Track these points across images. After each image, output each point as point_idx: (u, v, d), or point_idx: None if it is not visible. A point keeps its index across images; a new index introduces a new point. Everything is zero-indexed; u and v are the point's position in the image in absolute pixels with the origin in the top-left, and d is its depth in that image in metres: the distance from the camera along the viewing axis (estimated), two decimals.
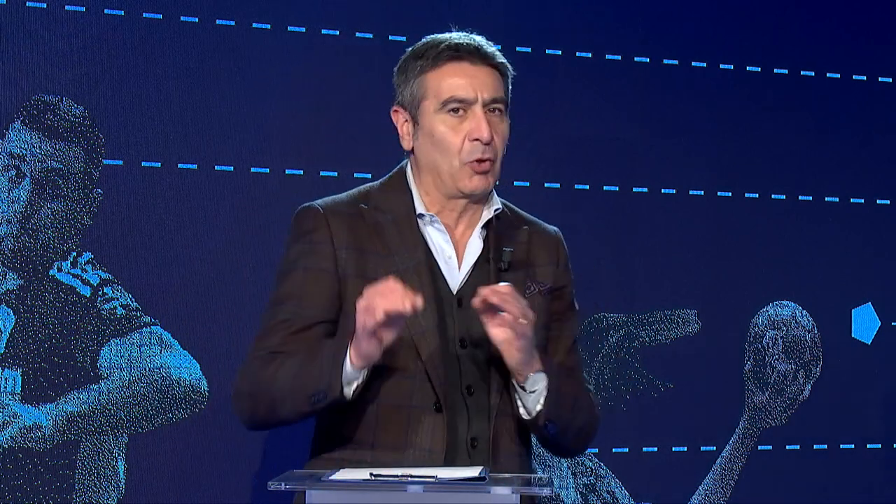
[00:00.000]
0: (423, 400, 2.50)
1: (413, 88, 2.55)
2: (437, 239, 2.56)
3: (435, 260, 2.55)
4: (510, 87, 2.61)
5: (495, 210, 2.59)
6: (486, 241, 2.59)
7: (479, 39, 2.57)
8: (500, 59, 2.56)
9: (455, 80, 2.52)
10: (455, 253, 2.56)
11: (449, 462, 2.46)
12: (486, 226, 2.59)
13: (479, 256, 2.57)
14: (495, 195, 2.62)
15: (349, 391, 2.42)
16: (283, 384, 2.46)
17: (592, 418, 2.66)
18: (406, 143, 2.59)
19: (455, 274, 2.56)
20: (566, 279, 2.70)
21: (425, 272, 2.52)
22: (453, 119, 2.52)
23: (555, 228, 2.73)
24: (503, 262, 2.56)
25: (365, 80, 3.63)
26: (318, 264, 2.53)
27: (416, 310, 2.34)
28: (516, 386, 2.50)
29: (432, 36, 2.59)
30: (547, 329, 2.61)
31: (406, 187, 2.58)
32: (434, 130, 2.53)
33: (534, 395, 2.50)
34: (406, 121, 2.57)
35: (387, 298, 2.32)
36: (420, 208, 2.56)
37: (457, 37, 2.56)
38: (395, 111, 2.59)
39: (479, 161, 2.51)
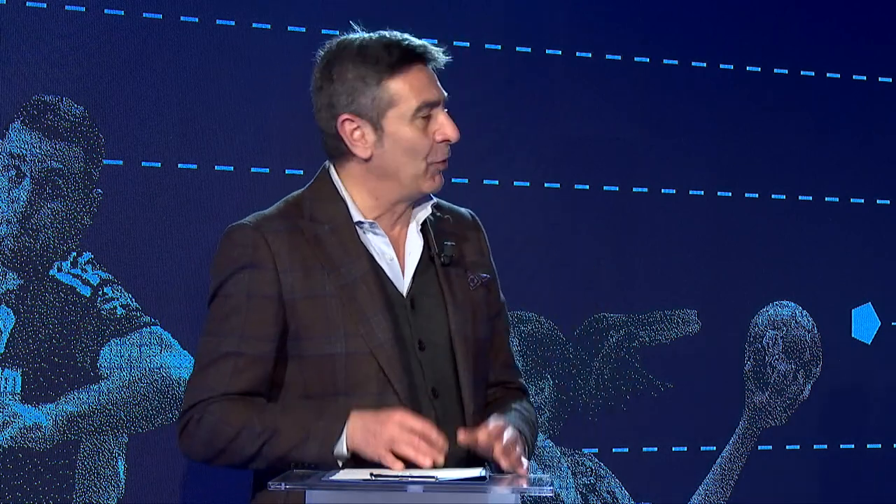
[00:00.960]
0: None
1: (374, 95, 2.45)
2: (376, 243, 2.49)
3: (379, 266, 2.48)
4: None
5: (431, 204, 2.54)
6: (424, 238, 2.54)
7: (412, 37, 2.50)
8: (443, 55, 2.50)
9: (423, 84, 2.45)
10: (396, 255, 2.51)
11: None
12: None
13: (423, 257, 2.52)
14: None
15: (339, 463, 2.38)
16: (257, 446, 2.39)
17: (537, 429, 2.66)
18: (362, 152, 2.48)
19: (400, 276, 2.50)
20: (492, 269, 2.63)
21: (373, 280, 2.45)
22: (422, 122, 2.46)
23: (469, 212, 2.66)
24: (446, 256, 2.52)
25: None
26: (260, 291, 2.43)
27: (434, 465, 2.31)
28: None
29: (357, 37, 2.51)
30: (490, 321, 2.58)
31: (337, 196, 2.51)
32: (404, 136, 2.46)
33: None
34: (361, 128, 2.47)
35: (413, 451, 2.29)
36: (357, 216, 2.49)
37: (393, 37, 2.48)
38: (348, 119, 2.48)
39: (442, 162, 2.48)
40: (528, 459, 2.45)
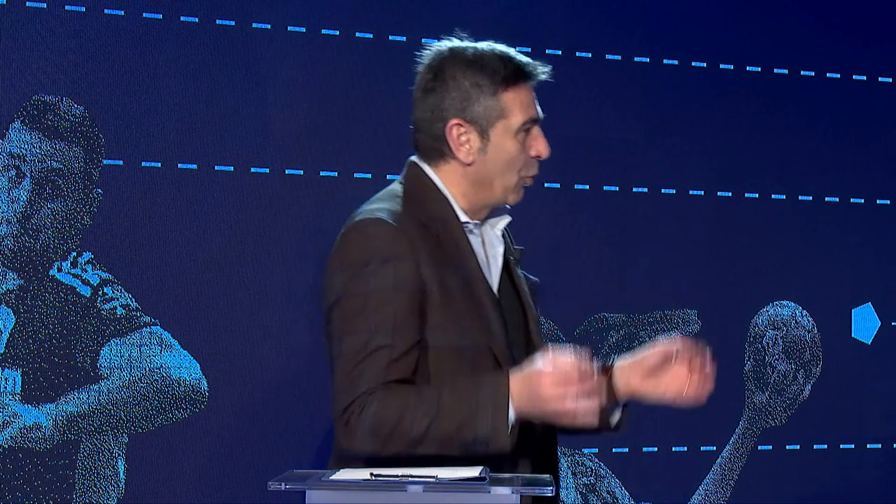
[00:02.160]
0: None
1: (488, 105, 2.53)
2: (475, 244, 2.59)
3: (478, 265, 2.58)
4: None
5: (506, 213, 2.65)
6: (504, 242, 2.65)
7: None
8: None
9: (530, 101, 2.57)
10: (485, 256, 2.61)
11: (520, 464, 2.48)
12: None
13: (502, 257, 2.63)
14: None
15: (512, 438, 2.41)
16: (423, 430, 2.41)
17: None
18: (466, 157, 2.55)
19: (490, 277, 2.59)
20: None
21: (482, 278, 2.55)
22: (524, 137, 2.56)
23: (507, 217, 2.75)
24: (516, 260, 2.65)
25: (365, 80, 3.63)
26: (405, 283, 2.47)
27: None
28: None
29: (486, 45, 2.57)
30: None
31: (441, 195, 2.58)
32: (507, 148, 2.55)
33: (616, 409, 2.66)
34: (468, 134, 2.54)
35: (571, 413, 2.35)
36: (463, 216, 2.57)
37: (510, 52, 2.57)
38: (458, 124, 2.54)
39: (533, 177, 2.60)
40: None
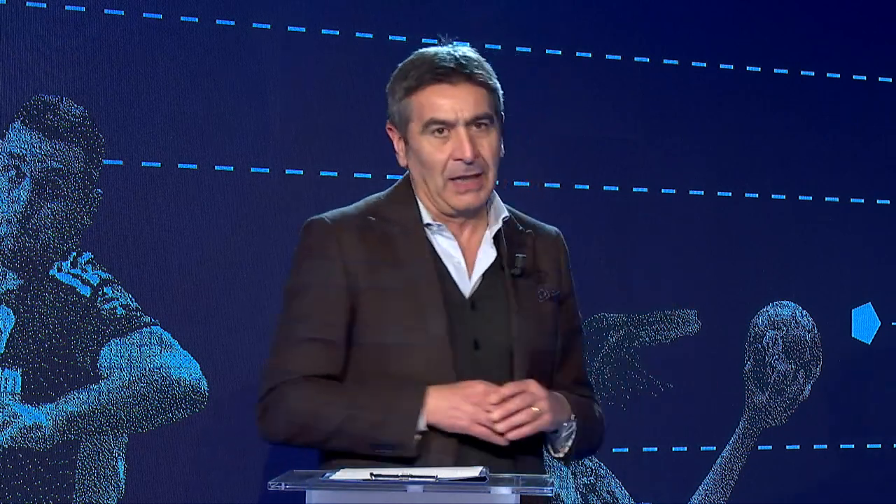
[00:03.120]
0: None
1: (400, 109, 2.59)
2: (445, 246, 2.60)
3: (444, 266, 2.59)
4: (499, 96, 2.63)
5: (503, 218, 2.63)
6: (496, 249, 2.63)
7: (464, 54, 2.59)
8: (483, 73, 2.58)
9: (436, 103, 2.55)
10: (464, 259, 2.60)
11: (463, 465, 2.47)
12: (495, 233, 2.64)
13: (491, 264, 2.61)
14: (500, 202, 2.67)
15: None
16: (338, 423, 2.49)
17: (601, 435, 2.78)
18: (401, 161, 2.64)
19: (465, 279, 2.59)
20: (569, 285, 2.75)
21: (435, 279, 2.55)
22: (437, 139, 2.56)
23: (555, 229, 2.78)
24: (517, 267, 2.61)
25: (365, 80, 3.63)
26: (330, 280, 2.55)
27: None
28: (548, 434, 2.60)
29: (420, 52, 2.61)
30: (556, 335, 2.66)
31: (412, 198, 2.62)
32: (421, 151, 2.57)
33: (561, 439, 2.61)
34: (399, 139, 2.62)
35: (488, 432, 2.45)
36: (427, 218, 2.60)
37: (439, 55, 2.57)
38: (389, 129, 2.64)
39: (463, 178, 2.56)
40: (577, 456, 2.64)
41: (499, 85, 2.63)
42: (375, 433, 2.47)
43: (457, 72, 2.55)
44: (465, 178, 2.56)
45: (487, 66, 2.62)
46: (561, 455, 2.62)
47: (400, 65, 2.62)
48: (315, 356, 2.53)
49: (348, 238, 2.57)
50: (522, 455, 2.56)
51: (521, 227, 2.69)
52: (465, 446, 2.50)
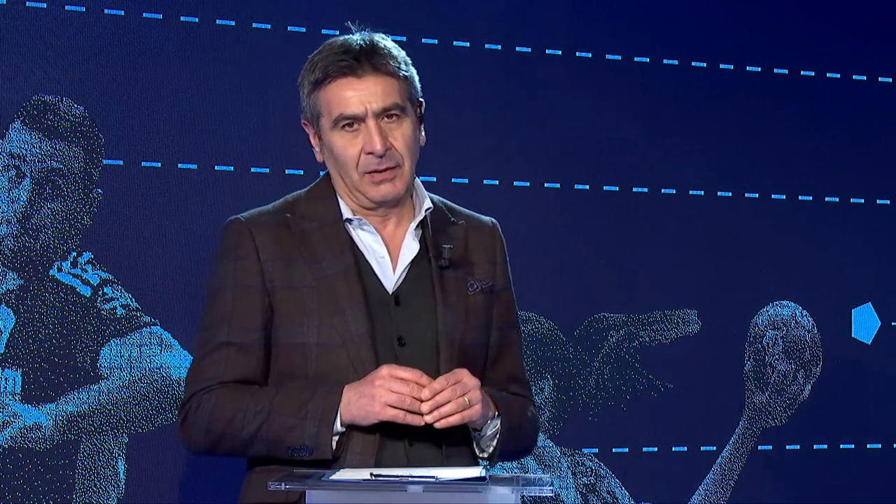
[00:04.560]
0: None
1: (310, 104, 2.54)
2: (367, 241, 2.55)
3: (367, 261, 2.53)
4: (413, 84, 2.56)
5: (426, 210, 2.57)
6: (421, 240, 2.57)
7: (371, 42, 2.52)
8: (391, 63, 2.52)
9: (343, 97, 2.49)
10: (388, 253, 2.55)
11: (378, 466, 2.43)
12: (421, 224, 2.58)
13: (416, 256, 2.55)
14: (425, 193, 2.60)
15: (333, 447, 2.42)
16: (254, 429, 2.45)
17: (533, 437, 2.68)
18: (318, 157, 2.59)
19: (389, 274, 2.54)
20: (505, 278, 2.67)
21: (353, 275, 2.50)
22: (348, 134, 2.51)
23: (491, 220, 2.70)
24: (444, 258, 2.55)
25: None
26: (245, 281, 2.51)
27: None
28: (471, 431, 2.51)
29: (328, 42, 2.56)
30: (488, 329, 2.60)
31: (332, 193, 2.57)
32: (333, 147, 2.53)
33: (486, 437, 2.52)
34: (314, 134, 2.58)
35: (402, 413, 2.37)
36: (346, 213, 2.55)
37: (345, 45, 2.52)
38: (304, 124, 2.60)
39: (377, 171, 2.50)
40: (504, 456, 2.53)
41: (413, 71, 2.57)
42: (291, 437, 2.42)
43: (362, 63, 2.49)
44: (378, 171, 2.50)
45: (399, 53, 2.55)
46: (485, 455, 2.53)
47: (309, 56, 2.57)
48: (232, 362, 2.49)
49: (263, 236, 2.52)
50: (452, 448, 2.49)
51: (451, 218, 2.62)
52: (386, 440, 2.45)
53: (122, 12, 3.45)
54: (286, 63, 3.58)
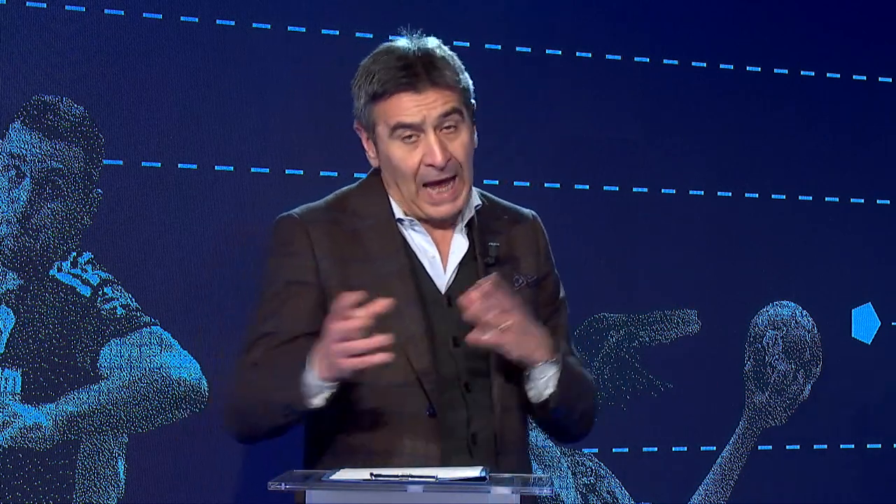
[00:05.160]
0: (415, 406, 2.50)
1: (366, 112, 2.54)
2: (418, 241, 2.57)
3: (419, 262, 2.56)
4: (468, 90, 2.57)
5: (476, 207, 2.60)
6: (469, 237, 2.59)
7: (429, 53, 2.52)
8: (448, 75, 2.52)
9: (400, 107, 2.50)
10: (438, 253, 2.57)
11: (446, 464, 2.45)
12: (468, 221, 2.60)
13: (465, 254, 2.58)
14: (473, 189, 2.61)
15: (318, 402, 2.41)
16: (260, 397, 2.47)
17: (594, 403, 2.70)
18: (372, 162, 2.60)
19: (441, 274, 2.56)
20: (548, 267, 2.71)
21: (408, 275, 2.52)
22: (407, 145, 2.52)
23: (531, 212, 2.73)
24: (490, 256, 2.57)
25: None
26: (298, 277, 2.52)
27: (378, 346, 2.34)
28: (525, 374, 2.51)
29: (384, 48, 2.56)
30: (535, 319, 2.60)
31: (383, 192, 2.59)
32: (391, 156, 2.53)
33: (542, 381, 2.51)
34: (367, 139, 2.59)
35: (342, 347, 2.32)
36: (398, 213, 2.57)
37: (403, 56, 2.51)
38: (357, 128, 2.60)
39: (437, 184, 2.51)
40: (561, 408, 2.51)
41: (467, 78, 2.58)
42: (279, 397, 2.43)
43: (420, 78, 2.50)
44: (438, 182, 2.51)
45: (454, 62, 2.56)
46: (541, 400, 2.52)
47: (363, 62, 2.56)
48: (270, 351, 2.51)
49: (317, 233, 2.54)
50: (506, 456, 2.52)
51: (495, 213, 2.64)
52: (444, 390, 2.47)
53: (122, 12, 3.45)
54: (286, 63, 3.59)
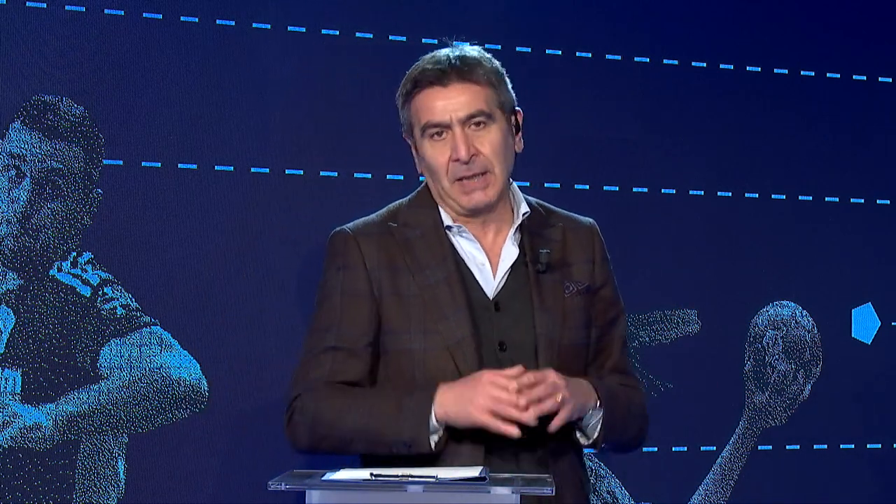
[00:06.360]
0: None
1: (405, 117, 2.63)
2: (467, 248, 2.62)
3: (468, 268, 2.60)
4: (504, 90, 2.63)
5: (524, 213, 2.64)
6: (520, 244, 2.63)
7: (461, 54, 2.59)
8: (478, 71, 2.57)
9: (429, 105, 2.56)
10: (488, 259, 2.61)
11: (490, 467, 2.47)
12: (520, 228, 2.64)
13: (515, 261, 2.62)
14: (522, 197, 2.67)
15: (434, 440, 2.48)
16: (355, 426, 2.51)
17: (644, 422, 2.77)
18: (418, 167, 2.67)
19: (490, 280, 2.60)
20: (604, 276, 2.74)
21: (456, 281, 2.57)
22: (437, 143, 2.58)
23: (589, 220, 2.78)
24: (541, 263, 2.61)
25: (365, 80, 3.63)
26: (354, 288, 2.59)
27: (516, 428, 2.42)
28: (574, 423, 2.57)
29: (424, 56, 2.63)
30: (587, 328, 2.66)
31: (432, 201, 2.64)
32: (425, 155, 2.61)
33: (589, 428, 2.59)
34: (413, 146, 2.65)
35: (502, 423, 2.41)
36: (447, 220, 2.62)
37: (434, 58, 2.59)
38: (405, 137, 2.67)
39: (466, 178, 2.57)
40: (611, 443, 2.60)
41: (504, 79, 2.63)
42: (389, 432, 2.48)
43: (447, 73, 2.55)
44: (467, 177, 2.57)
45: (489, 63, 2.60)
46: (590, 442, 2.60)
47: (408, 71, 2.64)
48: (338, 364, 2.57)
49: (368, 246, 2.60)
50: (556, 460, 2.56)
51: (548, 220, 2.69)
52: (492, 456, 2.51)
53: (122, 12, 3.45)
54: (286, 63, 3.59)
